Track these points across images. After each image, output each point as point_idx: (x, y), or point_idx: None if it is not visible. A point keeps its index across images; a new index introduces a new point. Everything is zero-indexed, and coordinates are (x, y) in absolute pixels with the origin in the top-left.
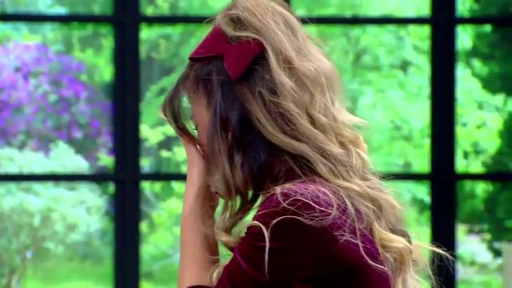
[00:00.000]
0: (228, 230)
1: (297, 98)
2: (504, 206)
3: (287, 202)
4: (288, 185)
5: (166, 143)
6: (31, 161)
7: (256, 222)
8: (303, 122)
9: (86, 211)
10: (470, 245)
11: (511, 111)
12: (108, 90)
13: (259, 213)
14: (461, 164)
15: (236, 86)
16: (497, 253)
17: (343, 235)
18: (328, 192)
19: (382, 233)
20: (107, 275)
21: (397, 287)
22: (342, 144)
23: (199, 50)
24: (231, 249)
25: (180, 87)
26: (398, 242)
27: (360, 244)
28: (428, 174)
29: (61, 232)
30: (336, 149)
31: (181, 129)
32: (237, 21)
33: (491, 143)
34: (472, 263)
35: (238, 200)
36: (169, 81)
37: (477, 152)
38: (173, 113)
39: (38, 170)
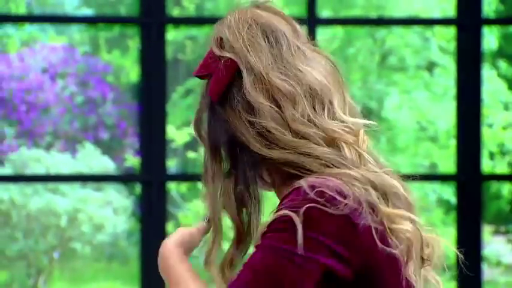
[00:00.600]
0: (225, 266)
1: (275, 114)
2: None
3: (314, 193)
4: (311, 178)
5: (192, 144)
6: (58, 161)
7: (285, 211)
8: (283, 136)
9: (112, 212)
10: (497, 245)
11: None
12: (134, 91)
13: (286, 203)
14: (487, 165)
15: (219, 107)
16: None
17: (362, 221)
18: (343, 183)
19: (388, 214)
20: (133, 275)
21: (407, 271)
22: (330, 145)
23: (199, 69)
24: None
25: (201, 104)
26: (405, 225)
27: (374, 232)
28: (454, 175)
29: (88, 233)
30: (320, 150)
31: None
32: (220, 40)
33: None
34: (498, 264)
35: (232, 233)
36: (195, 82)
37: (503, 153)
38: (198, 133)
39: (64, 170)
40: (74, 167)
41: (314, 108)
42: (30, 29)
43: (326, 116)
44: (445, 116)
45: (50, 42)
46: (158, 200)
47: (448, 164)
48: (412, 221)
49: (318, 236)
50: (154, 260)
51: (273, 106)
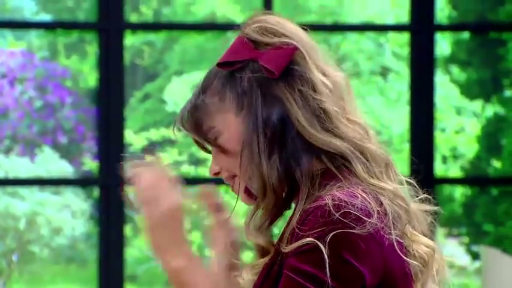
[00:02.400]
0: (260, 229)
1: (334, 99)
2: (482, 210)
3: (339, 214)
4: (337, 194)
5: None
6: (17, 165)
7: (310, 239)
8: (342, 120)
9: (70, 215)
10: (449, 248)
11: (489, 116)
12: (92, 96)
13: (311, 225)
14: (440, 169)
15: (277, 84)
16: (475, 256)
17: (387, 239)
18: (371, 199)
19: (412, 234)
20: (91, 278)
21: None
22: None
23: (228, 56)
24: (260, 250)
25: (201, 97)
26: (426, 245)
27: (396, 247)
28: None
29: (46, 236)
30: (373, 147)
31: (201, 141)
32: (265, 31)
33: (469, 148)
34: (451, 266)
35: (271, 200)
36: (153, 87)
37: (455, 157)
38: (195, 124)
39: (23, 174)
40: (33, 171)
41: (353, 106)
42: None
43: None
44: (398, 120)
45: (9, 48)
46: (116, 203)
47: (402, 167)
48: (429, 242)
49: (345, 262)
50: (112, 263)
51: (333, 89)
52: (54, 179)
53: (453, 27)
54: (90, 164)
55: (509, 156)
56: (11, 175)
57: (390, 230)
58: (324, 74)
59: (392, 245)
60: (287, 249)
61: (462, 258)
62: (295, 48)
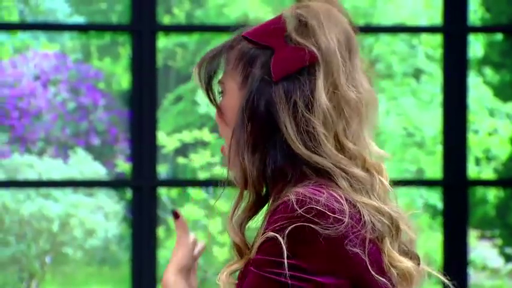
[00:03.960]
0: (239, 226)
1: (329, 121)
2: None
3: (302, 210)
4: (301, 190)
5: (183, 150)
6: (50, 167)
7: (271, 233)
8: (328, 145)
9: (103, 217)
10: (482, 250)
11: None
12: (125, 98)
13: (273, 221)
14: (473, 171)
15: (276, 86)
16: (508, 258)
17: (354, 245)
18: (341, 198)
19: (390, 251)
20: (124, 279)
21: None
22: (367, 171)
23: (255, 33)
24: (238, 250)
25: (222, 53)
26: (405, 262)
27: (367, 256)
28: (441, 180)
29: (79, 237)
30: (358, 171)
31: (210, 93)
32: (302, 26)
33: (503, 150)
34: (484, 268)
35: (250, 196)
36: (186, 89)
37: (488, 159)
38: (208, 75)
39: (56, 176)
40: (66, 173)
41: (362, 129)
42: (22, 36)
43: (367, 141)
44: (431, 122)
45: (42, 50)
46: (149, 205)
47: (434, 169)
48: (414, 259)
49: (301, 257)
50: (145, 264)
51: (332, 113)
52: (87, 181)
53: (486, 28)
54: (123, 166)
55: None
56: (45, 177)
57: (361, 237)
58: (336, 91)
59: (361, 252)
60: (253, 250)
61: (495, 260)
62: (313, 59)
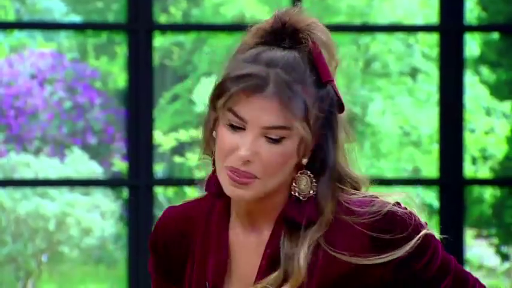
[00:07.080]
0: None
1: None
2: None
3: (409, 213)
4: (389, 200)
5: (179, 149)
6: (46, 166)
7: (417, 236)
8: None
9: (100, 216)
10: (478, 249)
11: None
12: (122, 97)
13: (402, 228)
14: (469, 170)
15: (338, 117)
16: (505, 257)
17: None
18: None
19: None
20: (121, 278)
21: None
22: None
23: (324, 71)
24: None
25: (297, 88)
26: None
27: None
28: (437, 179)
29: (76, 236)
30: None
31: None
32: (328, 48)
33: (499, 149)
34: (480, 267)
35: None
36: (182, 88)
37: (485, 158)
38: (291, 95)
39: (53, 175)
40: (62, 172)
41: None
42: (19, 35)
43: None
44: (428, 121)
45: (39, 49)
46: (145, 204)
47: (431, 168)
48: None
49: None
50: (142, 263)
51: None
52: (83, 180)
53: (482, 28)
54: (120, 165)
55: None
56: (41, 176)
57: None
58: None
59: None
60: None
61: (492, 259)
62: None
